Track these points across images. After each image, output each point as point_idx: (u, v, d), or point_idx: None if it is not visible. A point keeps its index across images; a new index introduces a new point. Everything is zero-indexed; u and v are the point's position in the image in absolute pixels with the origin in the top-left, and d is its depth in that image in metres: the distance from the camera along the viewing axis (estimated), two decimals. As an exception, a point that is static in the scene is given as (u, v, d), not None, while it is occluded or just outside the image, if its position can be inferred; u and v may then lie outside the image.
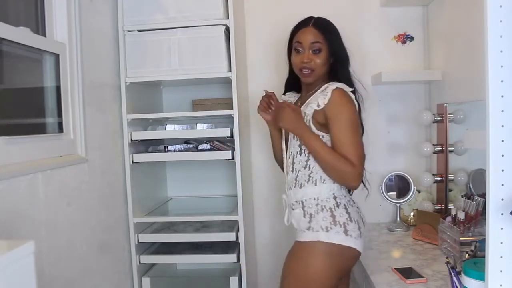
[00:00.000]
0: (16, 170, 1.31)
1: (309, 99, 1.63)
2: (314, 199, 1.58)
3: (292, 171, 1.64)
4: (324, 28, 1.63)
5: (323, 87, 1.62)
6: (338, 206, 1.56)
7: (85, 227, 1.68)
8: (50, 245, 1.44)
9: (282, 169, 1.75)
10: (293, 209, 1.63)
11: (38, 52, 1.59)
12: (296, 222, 1.62)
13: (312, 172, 1.59)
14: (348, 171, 1.49)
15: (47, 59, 1.64)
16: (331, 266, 1.52)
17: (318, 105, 1.55)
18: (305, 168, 1.60)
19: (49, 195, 1.46)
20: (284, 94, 1.84)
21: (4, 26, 1.35)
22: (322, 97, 1.56)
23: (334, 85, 1.57)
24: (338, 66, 1.65)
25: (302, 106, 1.63)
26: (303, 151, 1.60)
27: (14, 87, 1.54)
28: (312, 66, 1.60)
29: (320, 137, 1.57)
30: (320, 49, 1.61)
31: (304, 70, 1.62)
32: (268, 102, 1.76)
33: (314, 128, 1.57)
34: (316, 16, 1.66)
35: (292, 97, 1.81)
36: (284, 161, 1.70)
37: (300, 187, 1.61)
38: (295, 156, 1.63)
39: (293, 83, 1.78)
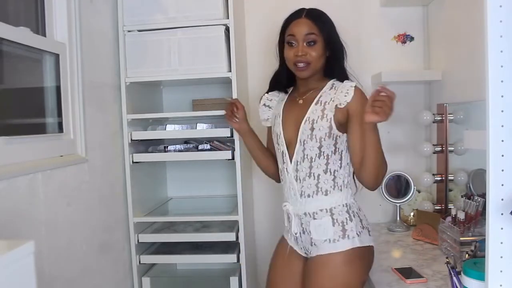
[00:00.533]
0: (16, 170, 1.30)
1: (319, 97, 1.52)
2: (343, 205, 1.50)
3: (309, 176, 1.50)
4: (318, 18, 1.52)
5: (329, 84, 1.55)
6: (360, 209, 1.55)
7: (85, 227, 1.68)
8: (50, 245, 1.44)
9: (276, 179, 1.68)
10: (315, 218, 1.50)
11: (38, 52, 1.59)
12: (319, 232, 1.49)
13: (335, 177, 1.49)
14: (386, 167, 1.47)
15: (47, 59, 1.64)
16: (367, 267, 1.53)
17: (340, 103, 1.46)
18: (326, 173, 1.49)
19: (49, 195, 1.45)
20: (267, 92, 1.73)
21: (4, 26, 1.35)
22: (341, 95, 1.46)
23: (352, 82, 1.52)
24: (334, 60, 1.55)
25: (313, 105, 1.52)
26: (322, 153, 1.48)
27: (14, 87, 1.54)
28: (307, 59, 1.49)
29: (337, 137, 1.48)
30: (315, 40, 1.50)
31: (299, 64, 1.50)
32: (232, 109, 1.72)
33: (334, 128, 1.48)
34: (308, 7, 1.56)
35: (276, 96, 1.71)
36: (289, 166, 1.54)
37: (326, 194, 1.49)
38: (313, 160, 1.49)
39: (286, 81, 1.66)
